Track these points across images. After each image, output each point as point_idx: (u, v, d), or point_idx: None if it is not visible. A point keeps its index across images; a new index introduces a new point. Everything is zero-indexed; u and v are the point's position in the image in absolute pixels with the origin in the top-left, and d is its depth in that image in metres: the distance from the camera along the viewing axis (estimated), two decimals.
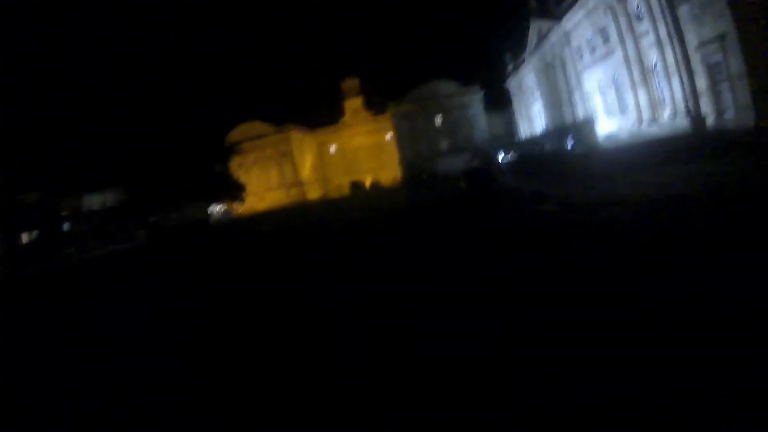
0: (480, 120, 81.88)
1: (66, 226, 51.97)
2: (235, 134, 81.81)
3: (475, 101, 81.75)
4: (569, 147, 41.09)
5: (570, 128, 43.77)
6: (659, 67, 30.58)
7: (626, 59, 33.85)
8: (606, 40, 36.77)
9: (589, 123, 41.98)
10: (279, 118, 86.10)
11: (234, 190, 61.34)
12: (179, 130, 52.96)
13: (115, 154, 49.85)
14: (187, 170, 53.56)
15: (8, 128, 45.29)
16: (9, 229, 45.50)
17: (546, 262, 7.39)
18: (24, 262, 38.83)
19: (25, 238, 49.21)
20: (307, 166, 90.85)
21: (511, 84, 68.79)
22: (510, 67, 67.34)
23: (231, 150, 63.28)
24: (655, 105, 32.66)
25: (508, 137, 74.33)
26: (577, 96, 44.00)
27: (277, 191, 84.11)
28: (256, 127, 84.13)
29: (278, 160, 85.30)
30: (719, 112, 27.39)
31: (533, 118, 62.22)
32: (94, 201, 57.31)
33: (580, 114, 43.90)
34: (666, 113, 31.09)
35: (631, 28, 32.72)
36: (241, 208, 71.22)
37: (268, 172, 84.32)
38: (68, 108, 49.70)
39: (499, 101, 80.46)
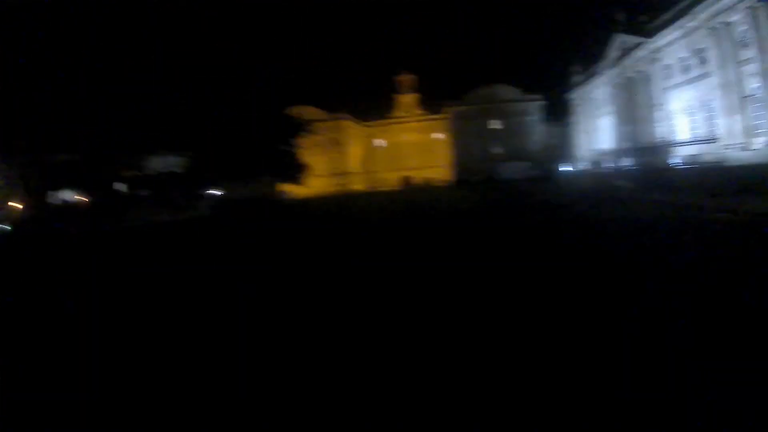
0: (537, 129, 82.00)
1: (123, 188, 50.29)
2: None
3: (535, 109, 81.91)
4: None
5: (656, 146, 43.79)
6: (760, 96, 30.66)
7: (723, 84, 33.90)
8: (702, 62, 36.84)
9: (668, 142, 42.16)
10: (329, 104, 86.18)
11: (296, 171, 61.32)
12: (243, 103, 53.20)
13: (181, 119, 49.52)
14: (251, 144, 53.41)
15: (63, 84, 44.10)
16: (33, 189, 44.40)
17: None
18: (66, 221, 37.93)
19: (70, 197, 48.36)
20: (354, 156, 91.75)
21: (577, 95, 68.64)
22: (577, 79, 67.22)
23: (293, 129, 62.35)
24: (748, 132, 32.70)
25: (565, 149, 74.46)
26: (658, 115, 44.02)
27: (323, 179, 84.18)
28: (309, 111, 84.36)
29: (327, 147, 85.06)
30: None
31: (597, 133, 62.11)
32: (157, 164, 55.00)
33: (659, 133, 43.93)
34: (762, 141, 31.18)
35: (734, 54, 32.78)
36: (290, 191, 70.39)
37: (316, 158, 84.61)
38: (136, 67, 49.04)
39: (557, 112, 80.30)
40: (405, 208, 32.57)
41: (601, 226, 15.79)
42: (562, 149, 75.36)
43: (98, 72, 45.39)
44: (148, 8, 50.31)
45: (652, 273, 8.32)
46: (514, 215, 22.29)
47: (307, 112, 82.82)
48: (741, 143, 33.20)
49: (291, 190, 66.23)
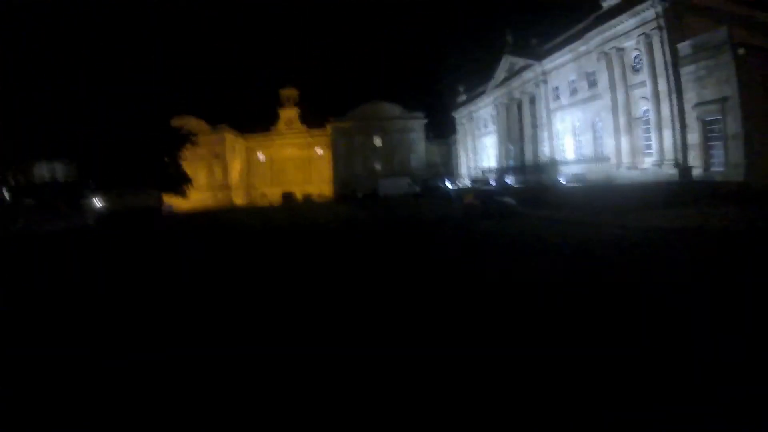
0: (420, 146, 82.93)
1: (6, 195, 46.74)
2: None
3: (417, 126, 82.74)
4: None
5: (542, 164, 45.22)
6: (651, 118, 32.37)
7: (613, 106, 35.55)
8: (592, 84, 38.57)
9: (555, 161, 43.76)
10: (211, 115, 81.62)
11: (180, 183, 56.39)
12: (127, 111, 48.63)
13: (67, 126, 45.09)
14: (134, 154, 49.47)
15: None
16: None
17: None
18: None
19: None
20: (236, 170, 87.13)
21: (461, 114, 70.29)
22: (463, 97, 68.86)
23: (176, 140, 57.28)
24: (636, 152, 34.49)
25: (448, 167, 76.03)
26: (544, 135, 45.66)
27: (204, 192, 78.76)
28: (191, 122, 77.95)
29: (209, 160, 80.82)
30: (707, 166, 29.38)
31: (481, 151, 63.83)
32: (43, 172, 51.21)
33: (545, 152, 45.56)
34: (651, 161, 32.90)
35: (625, 78, 34.49)
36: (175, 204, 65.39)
37: (197, 171, 78.48)
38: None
39: (440, 130, 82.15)
40: (279, 226, 31.15)
41: (473, 241, 16.64)
42: (445, 166, 76.74)
43: None
44: (36, 12, 44.91)
45: (540, 285, 8.72)
46: (382, 229, 23.39)
47: (189, 123, 76.29)
48: (628, 163, 34.94)
49: (175, 202, 61.22)
